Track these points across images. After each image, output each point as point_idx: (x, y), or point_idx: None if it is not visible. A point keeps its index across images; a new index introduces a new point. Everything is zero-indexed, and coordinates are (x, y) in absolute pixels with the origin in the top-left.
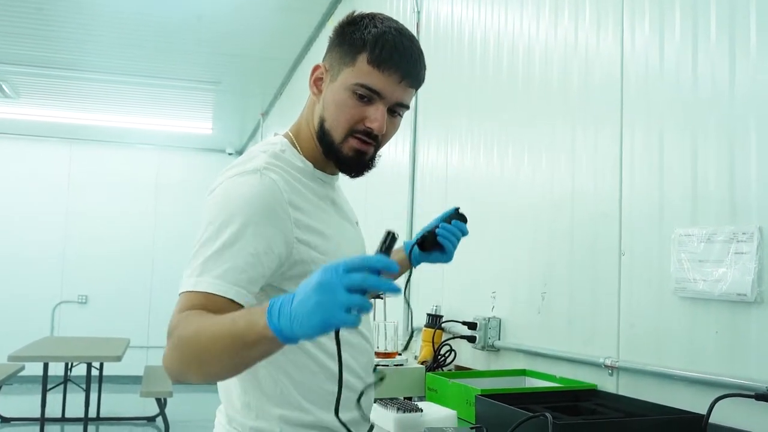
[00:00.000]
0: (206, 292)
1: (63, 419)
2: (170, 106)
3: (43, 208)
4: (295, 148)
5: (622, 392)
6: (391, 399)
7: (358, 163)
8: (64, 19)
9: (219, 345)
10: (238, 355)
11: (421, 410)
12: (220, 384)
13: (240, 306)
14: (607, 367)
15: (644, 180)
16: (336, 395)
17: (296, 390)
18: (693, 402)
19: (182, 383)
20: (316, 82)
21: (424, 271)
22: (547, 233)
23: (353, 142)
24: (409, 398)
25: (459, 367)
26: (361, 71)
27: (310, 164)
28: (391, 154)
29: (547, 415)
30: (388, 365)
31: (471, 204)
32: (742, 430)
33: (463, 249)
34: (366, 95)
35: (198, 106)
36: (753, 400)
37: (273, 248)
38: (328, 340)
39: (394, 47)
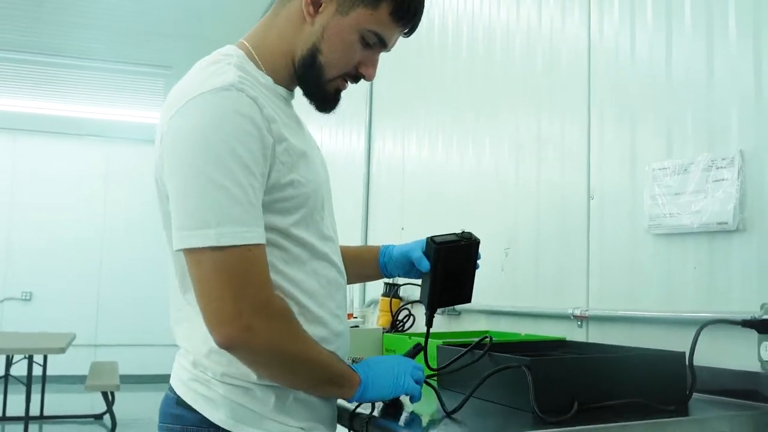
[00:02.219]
0: (235, 246)
1: (3, 418)
2: (117, 92)
3: None
4: (253, 61)
5: (593, 341)
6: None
7: (334, 101)
8: None
9: (310, 373)
10: (317, 387)
11: None
12: (176, 324)
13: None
14: (576, 317)
15: (614, 118)
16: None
17: None
18: (671, 344)
19: (250, 363)
20: (314, 4)
21: (380, 237)
22: (512, 188)
23: (339, 83)
24: None
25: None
26: (380, 20)
27: (270, 79)
28: (345, 146)
29: (525, 359)
30: None
31: (428, 195)
32: (725, 369)
33: (421, 210)
34: (373, 43)
35: (146, 93)
36: (735, 334)
37: (259, 173)
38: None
39: (418, 4)
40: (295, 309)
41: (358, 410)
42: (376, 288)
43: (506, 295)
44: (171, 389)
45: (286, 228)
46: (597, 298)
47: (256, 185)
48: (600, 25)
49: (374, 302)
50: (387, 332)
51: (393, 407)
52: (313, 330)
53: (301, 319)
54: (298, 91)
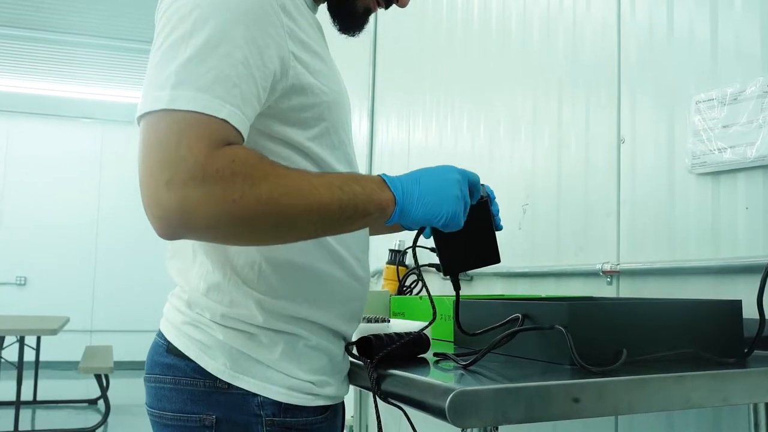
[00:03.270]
0: (190, 111)
1: None
2: (111, 70)
3: None
4: None
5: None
6: None
7: (362, 22)
8: None
9: (319, 213)
10: (337, 226)
11: (388, 321)
12: (171, 257)
13: (236, 132)
14: (605, 273)
15: (646, 44)
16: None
17: (281, 281)
18: (719, 296)
19: (212, 238)
20: None
21: None
22: (529, 136)
23: (371, 1)
24: None
25: None
26: None
27: None
28: None
29: (562, 302)
30: None
31: None
32: None
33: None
34: None
35: (142, 72)
36: None
37: (266, 61)
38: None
39: None
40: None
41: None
42: (380, 257)
43: (524, 254)
44: (160, 335)
45: (302, 142)
46: (629, 251)
47: (256, 73)
48: None
49: (378, 272)
50: (394, 296)
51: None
52: (329, 268)
53: (317, 255)
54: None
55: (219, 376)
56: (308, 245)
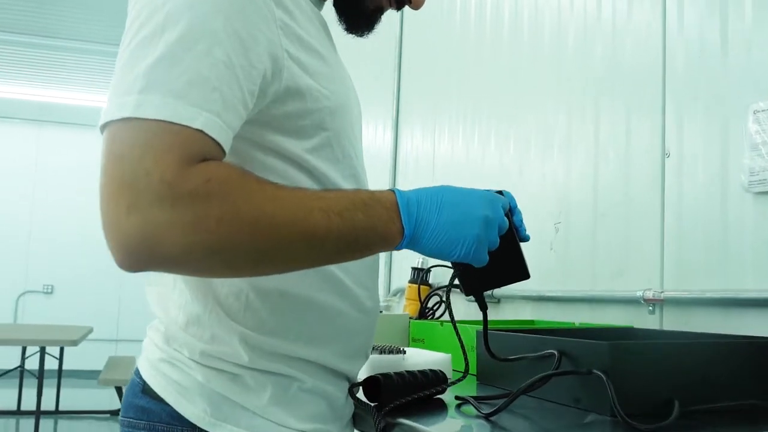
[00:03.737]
0: (158, 120)
1: (17, 412)
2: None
3: (7, 195)
4: None
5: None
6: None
7: (372, 22)
8: None
9: (311, 243)
10: (334, 258)
11: (404, 352)
12: (149, 284)
13: (215, 145)
14: (647, 301)
15: (695, 47)
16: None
17: (271, 314)
18: None
19: (191, 270)
20: None
21: None
22: (563, 149)
23: (383, 0)
24: None
25: None
26: None
27: None
28: (369, 140)
29: (603, 342)
30: None
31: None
32: None
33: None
34: None
35: None
36: None
37: (253, 60)
38: None
39: None
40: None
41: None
42: (402, 275)
43: (556, 277)
44: (137, 372)
45: (299, 154)
46: (674, 277)
47: (241, 74)
48: None
49: (401, 291)
50: (414, 320)
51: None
52: (329, 299)
53: (314, 284)
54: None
55: (198, 424)
56: (305, 272)
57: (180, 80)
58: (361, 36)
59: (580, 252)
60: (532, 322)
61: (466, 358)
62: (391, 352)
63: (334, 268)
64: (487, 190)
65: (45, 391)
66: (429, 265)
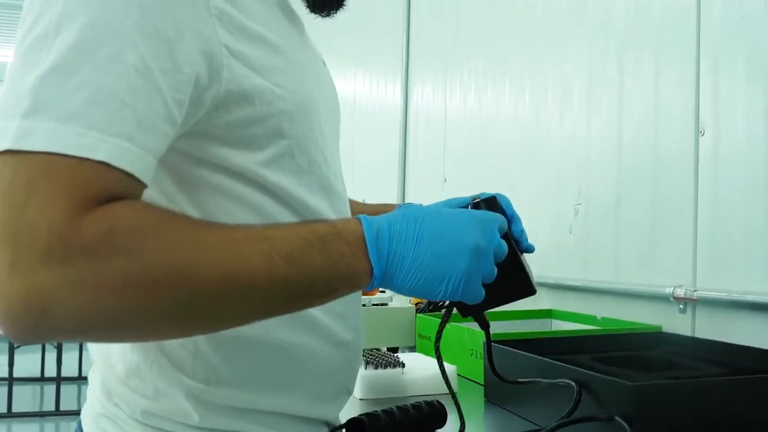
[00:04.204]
0: (47, 153)
1: (41, 379)
2: None
3: None
4: None
5: (702, 334)
6: (370, 350)
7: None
8: None
9: (251, 298)
10: (285, 308)
11: (403, 365)
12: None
13: (127, 179)
14: (677, 299)
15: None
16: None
17: (225, 361)
18: None
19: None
20: None
21: (421, 190)
22: (583, 124)
23: None
24: (394, 350)
25: None
26: None
27: None
28: (380, 96)
29: (620, 381)
30: (365, 304)
31: (475, 143)
32: None
33: (467, 160)
34: None
35: None
36: None
37: (180, 61)
38: None
39: None
40: None
41: None
42: None
43: (575, 265)
44: (79, 424)
45: (252, 169)
46: (709, 273)
47: (163, 81)
48: None
49: None
50: (421, 312)
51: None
52: (296, 337)
53: (275, 322)
54: None
55: None
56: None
57: (76, 97)
58: (325, 16)
59: (603, 239)
60: (549, 312)
61: (460, 412)
62: (387, 365)
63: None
64: (479, 200)
65: (66, 357)
66: None
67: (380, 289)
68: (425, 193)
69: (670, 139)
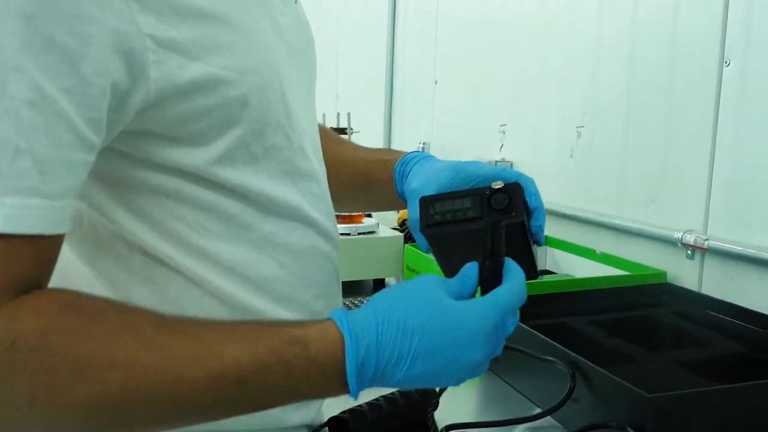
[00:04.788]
0: None
1: None
2: None
3: None
4: None
5: (709, 286)
6: (350, 283)
7: None
8: None
9: (189, 420)
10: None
11: None
12: None
13: (43, 242)
14: (685, 246)
15: None
16: None
17: None
18: None
19: None
20: None
21: (409, 96)
22: (591, 36)
23: None
24: (380, 281)
25: None
26: None
27: None
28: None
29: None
30: (349, 233)
31: (467, 43)
32: None
33: (459, 61)
34: None
35: None
36: None
37: (87, 73)
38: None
39: None
40: (224, 314)
41: None
42: None
43: (576, 193)
44: None
45: (200, 167)
46: (724, 221)
47: (69, 104)
48: None
49: None
50: (410, 241)
51: None
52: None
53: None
54: None
55: None
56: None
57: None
58: None
59: (606, 167)
60: (546, 239)
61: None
62: None
63: (271, 312)
64: (500, 187)
65: None
66: (430, 152)
67: (365, 214)
68: (416, 97)
69: (689, 70)
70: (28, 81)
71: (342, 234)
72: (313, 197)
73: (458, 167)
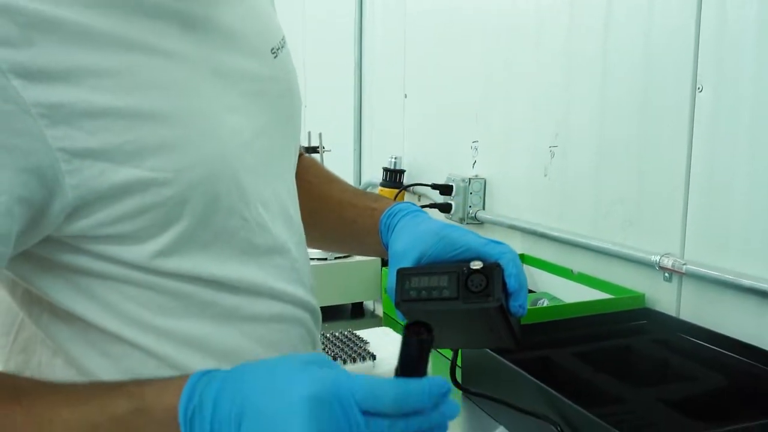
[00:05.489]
0: None
1: None
2: None
3: None
4: None
5: (687, 309)
6: (334, 337)
7: None
8: None
9: None
10: None
11: (374, 357)
12: None
13: None
14: (663, 269)
15: None
16: None
17: None
18: None
19: None
20: None
21: (379, 110)
22: (563, 58)
23: None
24: (359, 305)
25: None
26: None
27: None
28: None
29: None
30: (326, 258)
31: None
32: None
33: (430, 81)
34: None
35: None
36: None
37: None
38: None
39: None
40: None
41: None
42: (373, 170)
43: (550, 212)
44: None
45: (145, 262)
46: (699, 244)
47: None
48: None
49: (370, 185)
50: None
51: None
52: None
53: None
54: None
55: None
56: None
57: None
58: None
59: (581, 187)
60: (522, 257)
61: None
62: (357, 358)
63: None
64: (478, 268)
65: None
66: (402, 167)
67: None
68: (385, 112)
69: (663, 96)
70: None
71: (318, 259)
72: (278, 270)
73: (443, 232)
